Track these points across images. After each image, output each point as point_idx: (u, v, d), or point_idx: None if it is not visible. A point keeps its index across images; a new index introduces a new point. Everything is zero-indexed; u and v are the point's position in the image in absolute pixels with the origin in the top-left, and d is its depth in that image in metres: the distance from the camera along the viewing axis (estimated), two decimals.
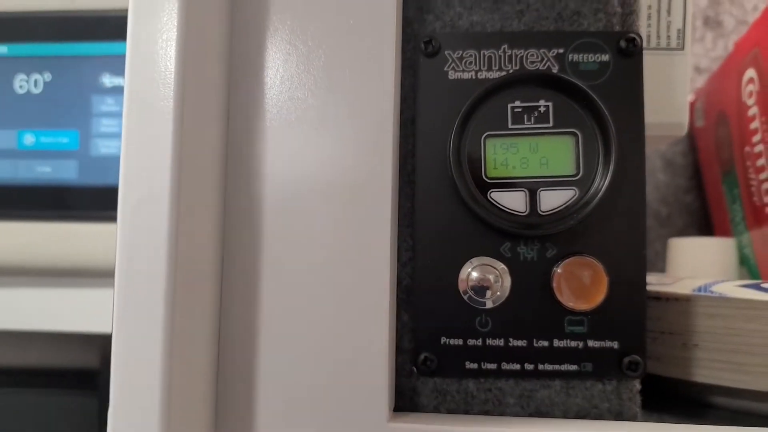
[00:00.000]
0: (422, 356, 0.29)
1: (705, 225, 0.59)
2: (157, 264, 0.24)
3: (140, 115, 0.25)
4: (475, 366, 0.29)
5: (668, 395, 0.34)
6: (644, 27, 0.35)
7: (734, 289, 0.33)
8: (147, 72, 0.25)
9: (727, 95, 0.49)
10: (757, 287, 0.32)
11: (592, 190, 0.28)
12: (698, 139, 0.58)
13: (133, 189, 0.24)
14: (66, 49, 0.50)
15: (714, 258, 0.48)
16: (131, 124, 0.25)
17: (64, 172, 0.50)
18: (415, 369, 0.29)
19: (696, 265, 0.49)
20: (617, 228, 0.28)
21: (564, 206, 0.28)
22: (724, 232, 0.53)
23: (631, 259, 0.28)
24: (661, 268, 0.55)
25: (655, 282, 0.37)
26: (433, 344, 0.29)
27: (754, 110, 0.44)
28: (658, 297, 0.34)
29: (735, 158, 0.49)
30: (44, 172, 0.50)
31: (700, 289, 0.33)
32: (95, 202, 0.50)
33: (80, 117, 0.50)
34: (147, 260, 0.24)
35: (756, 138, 0.44)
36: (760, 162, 0.44)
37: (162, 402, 0.23)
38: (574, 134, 0.28)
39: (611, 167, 0.28)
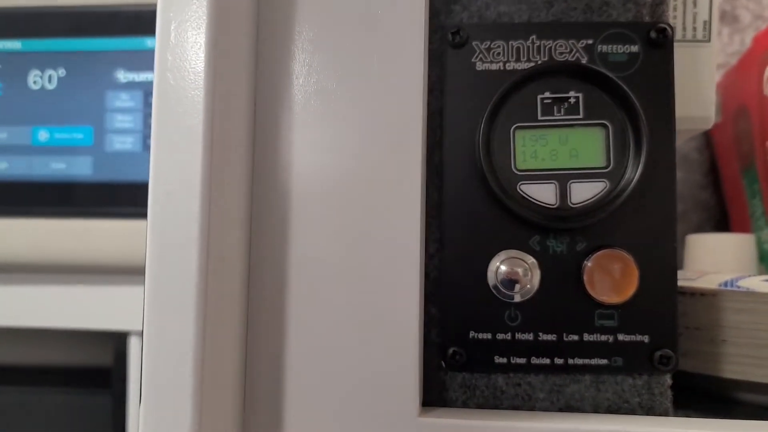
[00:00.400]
0: (451, 350, 0.28)
1: (721, 221, 0.59)
2: (189, 257, 0.24)
3: (170, 108, 0.24)
4: (504, 360, 0.28)
5: (695, 391, 0.34)
6: (671, 19, 0.35)
7: (761, 283, 0.32)
8: (176, 63, 0.24)
9: (747, 90, 0.48)
10: None
11: (623, 182, 0.28)
12: (715, 134, 0.58)
13: (163, 182, 0.24)
14: (80, 44, 0.49)
15: (733, 254, 0.48)
16: (162, 117, 0.24)
17: (79, 168, 0.49)
18: (443, 363, 0.29)
19: (714, 262, 0.48)
20: (648, 220, 0.28)
21: (595, 198, 0.28)
22: (743, 228, 0.53)
23: (662, 252, 0.28)
24: (679, 264, 0.55)
25: (679, 277, 0.37)
26: (461, 338, 0.28)
27: None
28: (684, 292, 0.33)
29: (756, 152, 0.48)
30: (58, 168, 0.50)
31: (726, 284, 0.33)
32: (110, 198, 0.49)
33: (94, 113, 0.50)
34: (178, 253, 0.24)
35: None
36: None
37: (194, 398, 0.23)
38: (605, 126, 0.28)
39: (642, 159, 0.27)
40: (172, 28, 0.24)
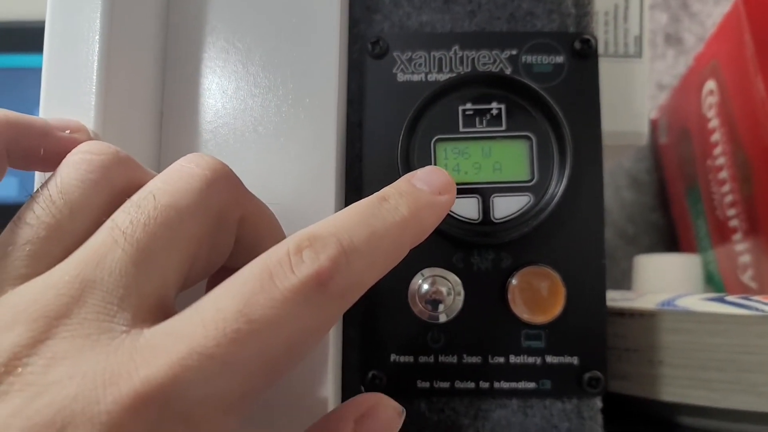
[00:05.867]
0: (370, 374, 0.27)
1: (671, 243, 0.58)
2: None
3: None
4: (426, 385, 0.27)
5: (635, 416, 0.33)
6: (601, 34, 0.35)
7: (698, 302, 0.31)
8: (67, 69, 0.23)
9: (688, 110, 0.48)
10: (722, 300, 0.31)
11: (547, 196, 0.27)
12: (663, 155, 0.57)
13: None
14: (5, 61, 0.47)
15: (679, 274, 0.47)
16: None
17: (4, 190, 0.47)
18: (362, 388, 0.27)
19: (662, 282, 0.48)
20: (574, 236, 0.27)
21: (518, 213, 0.27)
22: (690, 250, 0.53)
23: (589, 269, 0.27)
24: (629, 287, 0.54)
25: (619, 297, 0.36)
26: (382, 361, 0.27)
27: (714, 122, 0.44)
28: (622, 313, 0.32)
29: (698, 173, 0.48)
30: None
31: (664, 304, 0.32)
32: None
33: None
34: None
35: (717, 150, 0.44)
36: (722, 175, 0.44)
37: None
38: (528, 138, 0.27)
39: (567, 172, 0.26)
40: (61, 38, 0.23)
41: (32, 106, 0.48)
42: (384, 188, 0.21)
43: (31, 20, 0.47)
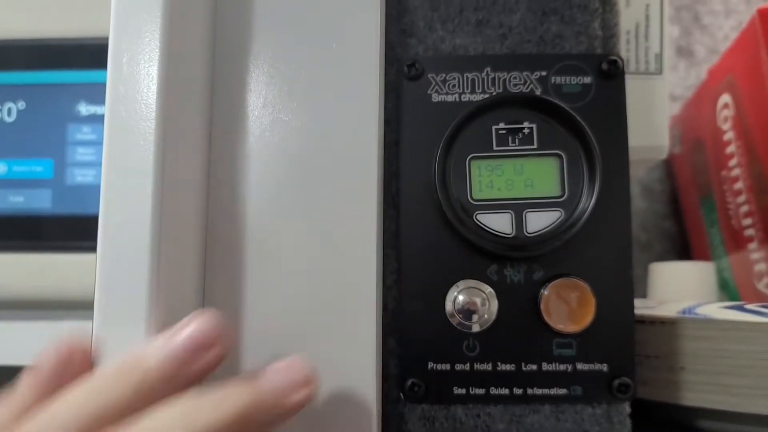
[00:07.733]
0: (409, 382, 0.28)
1: (683, 251, 0.59)
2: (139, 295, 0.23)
3: (121, 138, 0.24)
4: (463, 391, 0.28)
5: (656, 420, 0.34)
6: (623, 52, 0.36)
7: (719, 310, 0.32)
8: (129, 95, 0.24)
9: (702, 121, 0.49)
10: (741, 308, 0.32)
11: (577, 211, 0.28)
12: (675, 165, 0.59)
13: (113, 214, 0.24)
14: (41, 77, 0.49)
15: (694, 282, 0.48)
16: (113, 150, 0.24)
17: (38, 202, 0.49)
18: (402, 395, 0.28)
19: (676, 290, 0.49)
20: (604, 249, 0.28)
21: (550, 227, 0.28)
22: (703, 257, 0.54)
23: (618, 280, 0.28)
24: (641, 294, 0.55)
25: (639, 305, 0.37)
26: (420, 370, 0.28)
27: (729, 135, 0.45)
28: (643, 320, 0.34)
29: (712, 183, 0.49)
30: (17, 201, 0.49)
31: (684, 312, 0.33)
32: (70, 231, 0.48)
33: (55, 146, 0.49)
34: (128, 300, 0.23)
35: (732, 162, 0.45)
36: (738, 185, 0.45)
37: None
38: (559, 156, 0.28)
39: (596, 188, 0.28)
40: (125, 60, 0.24)
41: (66, 120, 0.49)
42: None
43: (66, 38, 0.49)
